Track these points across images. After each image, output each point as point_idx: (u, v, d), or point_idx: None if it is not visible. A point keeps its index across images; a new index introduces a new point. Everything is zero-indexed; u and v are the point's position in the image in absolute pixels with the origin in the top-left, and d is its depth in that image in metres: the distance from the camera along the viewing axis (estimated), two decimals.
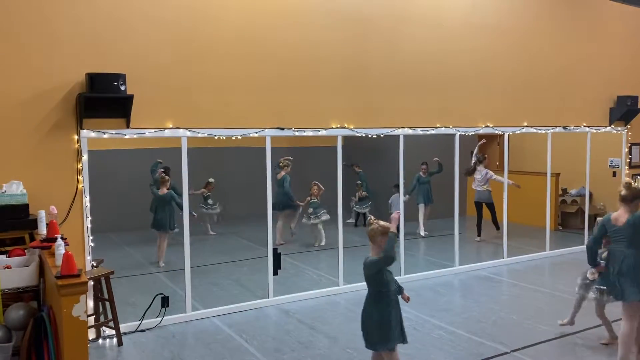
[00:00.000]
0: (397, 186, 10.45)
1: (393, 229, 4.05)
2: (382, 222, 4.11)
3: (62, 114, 5.51)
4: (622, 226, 4.77)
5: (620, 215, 4.84)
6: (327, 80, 7.03)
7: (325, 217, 9.70)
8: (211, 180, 10.71)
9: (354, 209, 11.67)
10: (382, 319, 4.07)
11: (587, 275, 5.37)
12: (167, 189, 8.65)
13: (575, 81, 9.27)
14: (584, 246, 5.26)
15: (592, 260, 5.08)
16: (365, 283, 4.19)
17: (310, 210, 9.83)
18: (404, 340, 4.17)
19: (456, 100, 8.05)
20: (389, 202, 10.96)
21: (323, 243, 9.73)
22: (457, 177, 8.24)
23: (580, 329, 5.78)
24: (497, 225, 10.03)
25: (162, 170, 9.35)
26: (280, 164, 9.79)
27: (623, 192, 4.81)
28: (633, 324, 4.74)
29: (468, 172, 10.27)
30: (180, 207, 8.57)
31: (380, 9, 7.37)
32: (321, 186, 9.88)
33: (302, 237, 10.02)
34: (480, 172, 10.13)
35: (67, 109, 5.54)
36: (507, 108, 8.58)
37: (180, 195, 7.08)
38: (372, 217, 4.21)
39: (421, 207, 10.78)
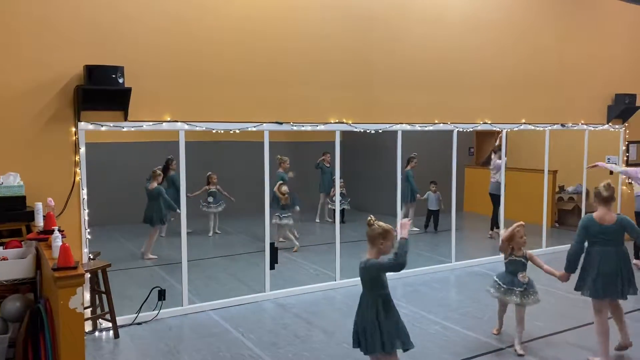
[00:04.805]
0: (434, 182, 10.37)
1: (405, 235, 3.85)
2: (382, 224, 3.91)
3: (59, 106, 5.50)
4: (612, 225, 4.80)
5: (604, 214, 4.84)
6: (326, 75, 7.02)
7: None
8: (209, 173, 10.25)
9: (329, 206, 11.08)
10: (387, 320, 3.85)
11: (520, 279, 5.20)
12: (159, 184, 8.61)
13: (573, 79, 9.28)
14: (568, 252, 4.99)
15: (574, 267, 4.96)
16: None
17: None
18: (409, 344, 3.91)
19: (455, 96, 8.05)
20: (426, 197, 10.62)
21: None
22: (454, 173, 8.25)
23: (573, 326, 5.83)
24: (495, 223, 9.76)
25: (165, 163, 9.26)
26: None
27: (605, 193, 4.83)
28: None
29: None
30: (168, 205, 8.57)
31: (381, 4, 7.36)
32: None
33: (299, 233, 10.00)
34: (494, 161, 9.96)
35: (65, 101, 5.52)
36: (505, 105, 8.59)
37: (178, 190, 6.90)
38: (372, 218, 3.95)
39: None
